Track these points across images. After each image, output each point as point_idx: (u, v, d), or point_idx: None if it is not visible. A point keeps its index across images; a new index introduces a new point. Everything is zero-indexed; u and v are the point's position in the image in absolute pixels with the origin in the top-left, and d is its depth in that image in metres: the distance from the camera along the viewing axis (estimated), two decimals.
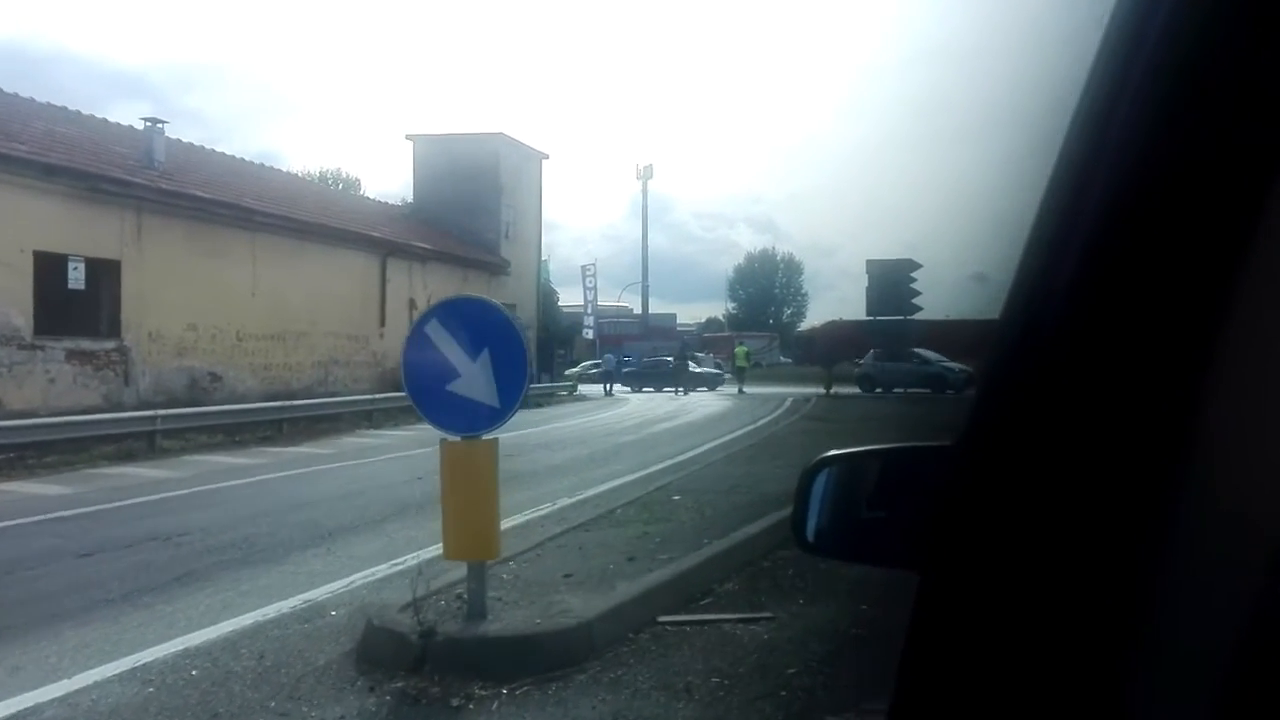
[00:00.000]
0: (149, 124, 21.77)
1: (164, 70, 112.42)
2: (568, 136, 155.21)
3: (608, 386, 38.66)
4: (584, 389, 39.50)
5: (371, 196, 43.52)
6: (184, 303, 21.07)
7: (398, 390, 27.51)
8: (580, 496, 10.28)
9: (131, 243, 20.01)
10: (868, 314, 29.89)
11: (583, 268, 58.41)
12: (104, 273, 19.46)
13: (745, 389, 36.62)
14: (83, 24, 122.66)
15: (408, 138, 35.94)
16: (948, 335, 29.88)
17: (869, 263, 29.70)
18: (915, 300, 29.40)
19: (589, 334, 56.75)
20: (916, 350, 32.73)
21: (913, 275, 29.12)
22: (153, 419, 16.90)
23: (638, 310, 77.63)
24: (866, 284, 29.48)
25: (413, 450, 16.59)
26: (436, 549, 6.29)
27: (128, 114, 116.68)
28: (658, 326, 74.08)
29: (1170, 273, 0.61)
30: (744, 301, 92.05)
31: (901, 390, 31.13)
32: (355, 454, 16.30)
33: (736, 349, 40.84)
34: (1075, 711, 0.64)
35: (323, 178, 52.19)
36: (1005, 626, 0.68)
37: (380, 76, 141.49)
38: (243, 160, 27.78)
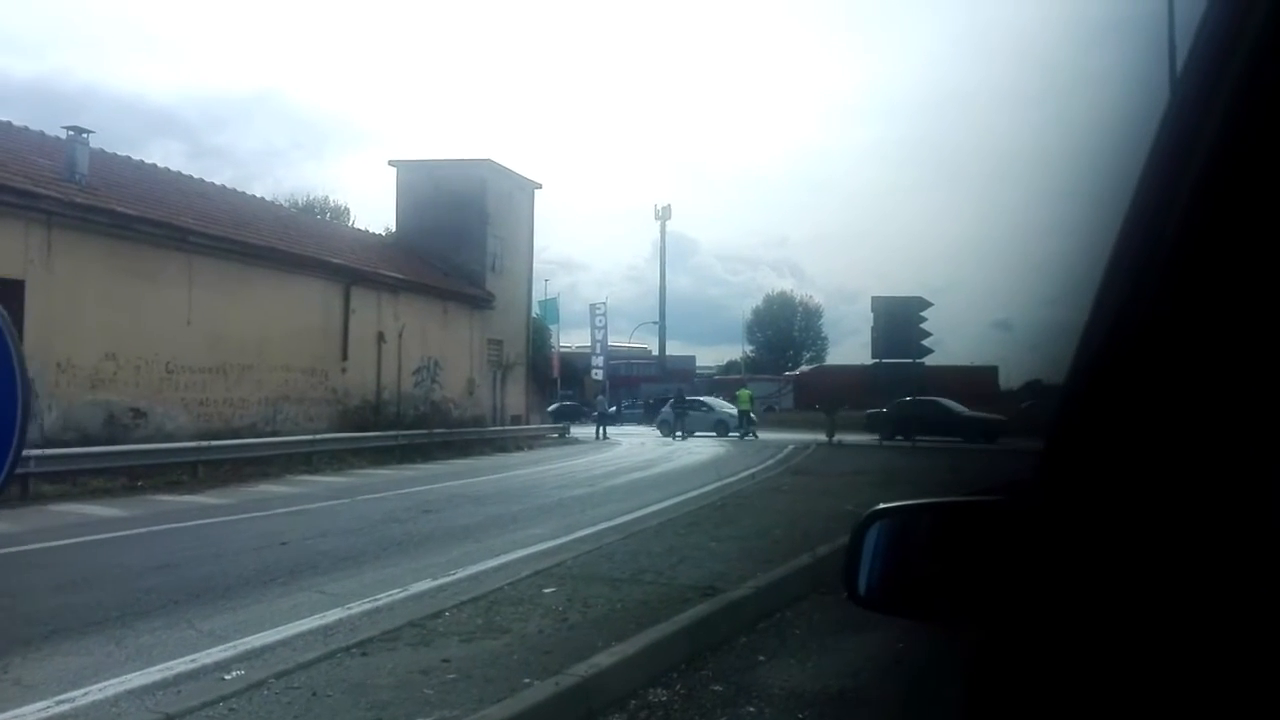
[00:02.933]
0: (72, 133, 19.82)
1: (196, 105, 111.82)
2: (594, 177, 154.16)
3: (600, 430, 36.27)
4: (577, 431, 37.24)
5: (362, 227, 41.57)
6: (102, 329, 18.93)
7: (362, 430, 25.60)
8: (421, 586, 7.82)
9: (39, 261, 17.94)
10: (873, 356, 27.32)
11: (591, 306, 56.63)
12: (4, 294, 17.28)
13: (750, 434, 34.14)
14: (112, 60, 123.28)
15: (390, 163, 33.97)
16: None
17: (875, 299, 27.16)
18: (925, 342, 26.79)
19: (598, 374, 54.66)
20: (938, 399, 30.28)
21: (923, 315, 26.55)
22: (25, 459, 14.62)
23: (656, 351, 75.62)
24: (872, 323, 26.95)
25: (323, 503, 14.31)
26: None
27: (161, 153, 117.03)
28: (676, 369, 71.86)
29: (1251, 298, 0.58)
30: (762, 344, 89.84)
31: (925, 439, 28.79)
32: (254, 506, 13.97)
33: (739, 392, 38.29)
34: None
35: (307, 206, 50.37)
36: (1077, 698, 0.63)
37: (412, 112, 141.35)
38: (188, 177, 25.75)
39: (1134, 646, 0.60)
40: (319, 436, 22.23)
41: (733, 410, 37.45)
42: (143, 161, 24.44)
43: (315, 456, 21.14)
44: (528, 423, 35.49)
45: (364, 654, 5.32)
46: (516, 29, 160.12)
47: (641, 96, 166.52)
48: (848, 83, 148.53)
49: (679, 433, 35.54)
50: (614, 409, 39.28)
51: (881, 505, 1.38)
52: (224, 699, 4.51)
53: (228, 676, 5.27)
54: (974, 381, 44.07)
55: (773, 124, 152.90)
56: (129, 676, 5.34)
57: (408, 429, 26.03)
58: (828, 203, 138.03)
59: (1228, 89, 0.58)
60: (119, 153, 24.05)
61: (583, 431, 37.44)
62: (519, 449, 29.40)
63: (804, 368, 75.52)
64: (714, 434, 35.76)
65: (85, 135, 19.94)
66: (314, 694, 4.61)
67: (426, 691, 4.65)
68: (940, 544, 1.27)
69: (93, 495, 14.99)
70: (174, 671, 5.48)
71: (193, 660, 5.71)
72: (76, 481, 15.80)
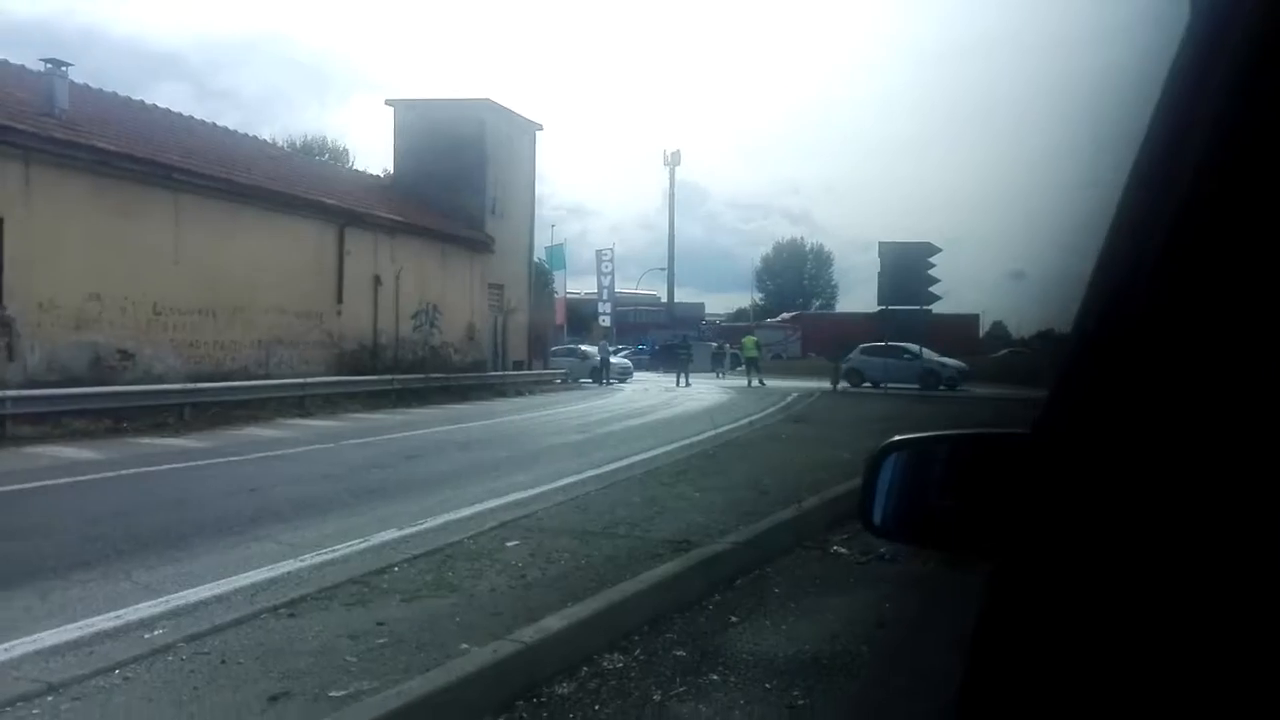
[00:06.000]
0: (50, 66, 19.14)
1: (199, 48, 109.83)
2: (603, 123, 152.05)
3: (603, 377, 35.79)
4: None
5: (362, 169, 40.76)
6: (85, 269, 18.41)
7: (357, 374, 25.19)
8: (384, 536, 7.35)
9: (17, 198, 17.35)
10: (879, 302, 26.65)
11: (598, 252, 55.74)
12: None
13: (757, 381, 33.56)
14: (113, 1, 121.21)
15: (387, 103, 33.11)
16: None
17: (882, 245, 26.38)
18: (935, 289, 26.12)
19: (605, 320, 54.07)
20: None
21: (931, 261, 25.82)
22: (0, 400, 14.25)
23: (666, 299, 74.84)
24: (879, 269, 26.21)
25: (306, 447, 13.93)
26: None
27: (167, 95, 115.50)
28: (685, 315, 71.21)
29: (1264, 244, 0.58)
30: (771, 292, 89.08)
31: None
32: (234, 450, 13.57)
33: (745, 339, 37.69)
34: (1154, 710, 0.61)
35: (305, 147, 49.35)
36: (1087, 621, 0.64)
37: (421, 54, 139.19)
38: (176, 114, 25.03)
39: (1152, 584, 0.59)
40: (311, 380, 21.81)
41: (615, 360, 37.94)
42: (129, 98, 23.76)
43: (307, 400, 20.75)
44: (529, 368, 35.04)
45: (291, 615, 4.87)
46: None
47: (651, 41, 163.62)
48: (863, 31, 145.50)
49: (681, 378, 35.00)
50: (615, 352, 38.56)
51: (897, 437, 1.40)
52: (120, 665, 4.07)
53: (147, 635, 4.84)
54: (954, 329, 43.44)
55: (786, 72, 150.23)
56: (41, 635, 4.89)
57: (405, 373, 25.62)
58: (842, 151, 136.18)
59: (1239, 33, 0.57)
60: (120, 93, 23.50)
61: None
62: (520, 394, 28.98)
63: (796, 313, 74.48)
64: (718, 377, 35.50)
65: (64, 68, 19.28)
66: (223, 661, 4.16)
67: (349, 659, 4.20)
68: (956, 475, 1.30)
69: (71, 437, 14.62)
70: (93, 629, 5.04)
71: (117, 617, 5.27)
72: (58, 424, 15.42)
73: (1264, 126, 0.57)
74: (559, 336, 43.32)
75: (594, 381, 35.81)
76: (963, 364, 32.01)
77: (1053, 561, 0.65)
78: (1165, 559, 0.59)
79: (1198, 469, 0.59)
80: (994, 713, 0.68)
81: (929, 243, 26.38)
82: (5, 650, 4.69)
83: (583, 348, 39.55)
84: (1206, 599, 0.58)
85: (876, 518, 1.42)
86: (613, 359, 38.40)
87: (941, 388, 29.89)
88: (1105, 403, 0.64)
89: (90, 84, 22.30)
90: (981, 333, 59.54)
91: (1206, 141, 0.59)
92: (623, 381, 36.11)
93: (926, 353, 30.06)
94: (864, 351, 31.62)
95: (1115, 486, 0.62)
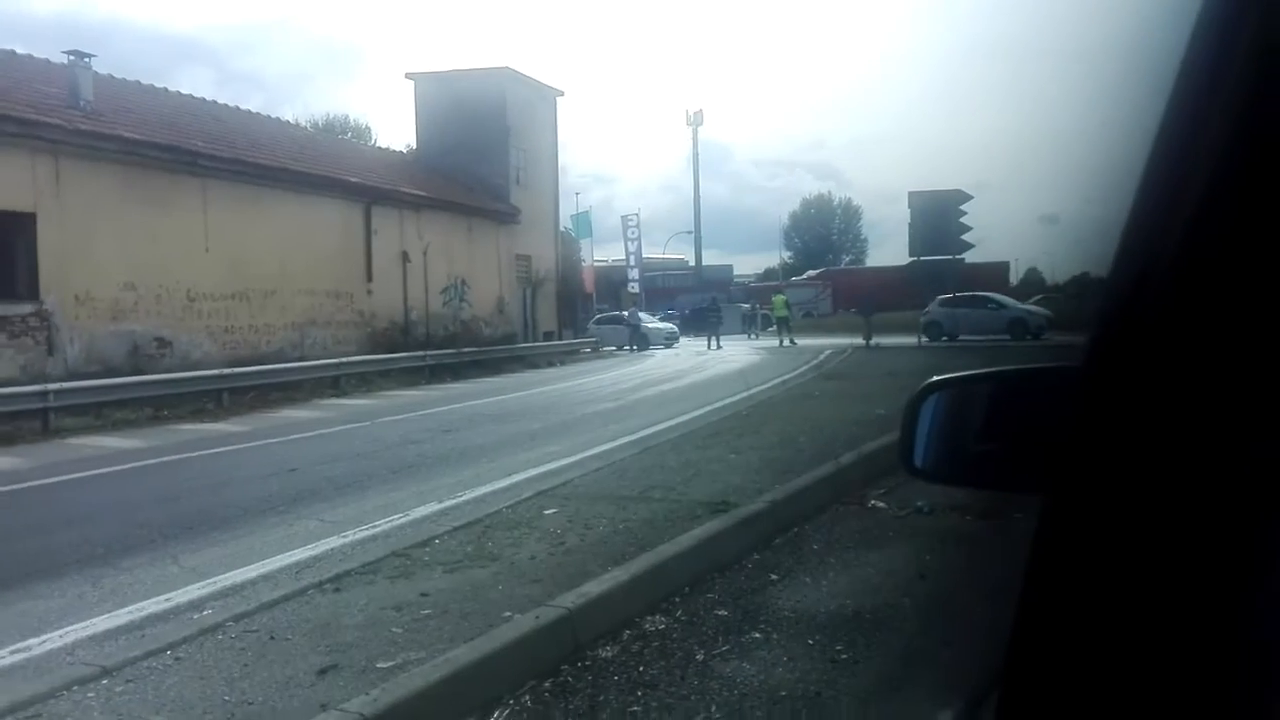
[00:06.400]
0: (73, 58, 19.27)
1: (219, 31, 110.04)
2: (622, 86, 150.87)
3: (632, 345, 35.76)
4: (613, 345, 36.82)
5: (386, 145, 40.81)
6: (119, 259, 18.65)
7: (391, 351, 25.36)
8: (424, 510, 7.42)
9: (48, 192, 17.57)
10: (910, 254, 26.35)
11: (623, 218, 55.44)
12: (15, 227, 17.10)
13: (788, 340, 33.33)
14: None
15: (408, 76, 33.08)
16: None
17: (911, 195, 26.01)
18: (966, 237, 25.78)
19: (634, 287, 53.96)
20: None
21: (962, 209, 25.46)
22: (44, 394, 14.50)
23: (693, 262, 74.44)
24: (909, 220, 25.89)
25: (343, 426, 14.08)
26: None
27: (189, 81, 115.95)
28: (713, 278, 70.83)
29: None
30: (800, 250, 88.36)
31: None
32: (273, 432, 13.74)
33: (774, 298, 37.43)
34: (1204, 652, 0.60)
35: (327, 125, 49.52)
36: (1141, 554, 0.63)
37: (440, 27, 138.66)
38: (199, 99, 25.15)
39: (1205, 520, 0.59)
40: (345, 360, 21.97)
41: (654, 325, 37.91)
42: (152, 85, 23.90)
43: (343, 379, 20.92)
44: (560, 338, 35.11)
45: (337, 590, 4.95)
46: None
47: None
48: None
49: (712, 340, 34.84)
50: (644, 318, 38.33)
51: (936, 378, 1.38)
52: (172, 646, 4.16)
53: (196, 616, 4.94)
54: (985, 276, 42.68)
55: (807, 25, 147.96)
56: (94, 620, 5.01)
57: (437, 349, 25.76)
58: (866, 103, 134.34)
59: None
60: (143, 81, 23.63)
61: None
62: (551, 365, 29.04)
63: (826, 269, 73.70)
64: (749, 337, 35.69)
65: (88, 59, 19.41)
66: (271, 637, 4.24)
67: (395, 631, 4.26)
68: (1000, 413, 1.29)
69: (114, 427, 14.86)
70: (144, 613, 5.15)
71: (167, 600, 5.38)
72: (100, 414, 15.66)
73: None
74: (588, 305, 43.29)
75: (629, 348, 35.78)
76: (1047, 311, 30.53)
77: (1106, 496, 0.65)
78: (1217, 490, 0.58)
79: (1243, 402, 0.57)
80: (1048, 656, 0.68)
81: (959, 190, 26.03)
82: (60, 636, 4.80)
83: (627, 314, 39.31)
84: (1261, 537, 0.57)
85: (918, 460, 1.41)
86: (657, 323, 38.44)
87: (1029, 337, 28.16)
88: (1150, 338, 0.63)
89: (114, 74, 22.44)
90: (1016, 280, 58.74)
91: (1225, 104, 0.57)
92: (669, 346, 35.99)
93: (1010, 301, 29.27)
94: (943, 304, 29.65)
95: (1164, 418, 0.62)
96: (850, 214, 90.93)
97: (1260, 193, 0.57)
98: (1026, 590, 0.68)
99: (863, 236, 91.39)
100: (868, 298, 32.63)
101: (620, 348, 35.95)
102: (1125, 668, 0.61)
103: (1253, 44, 0.57)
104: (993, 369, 1.34)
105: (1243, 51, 0.57)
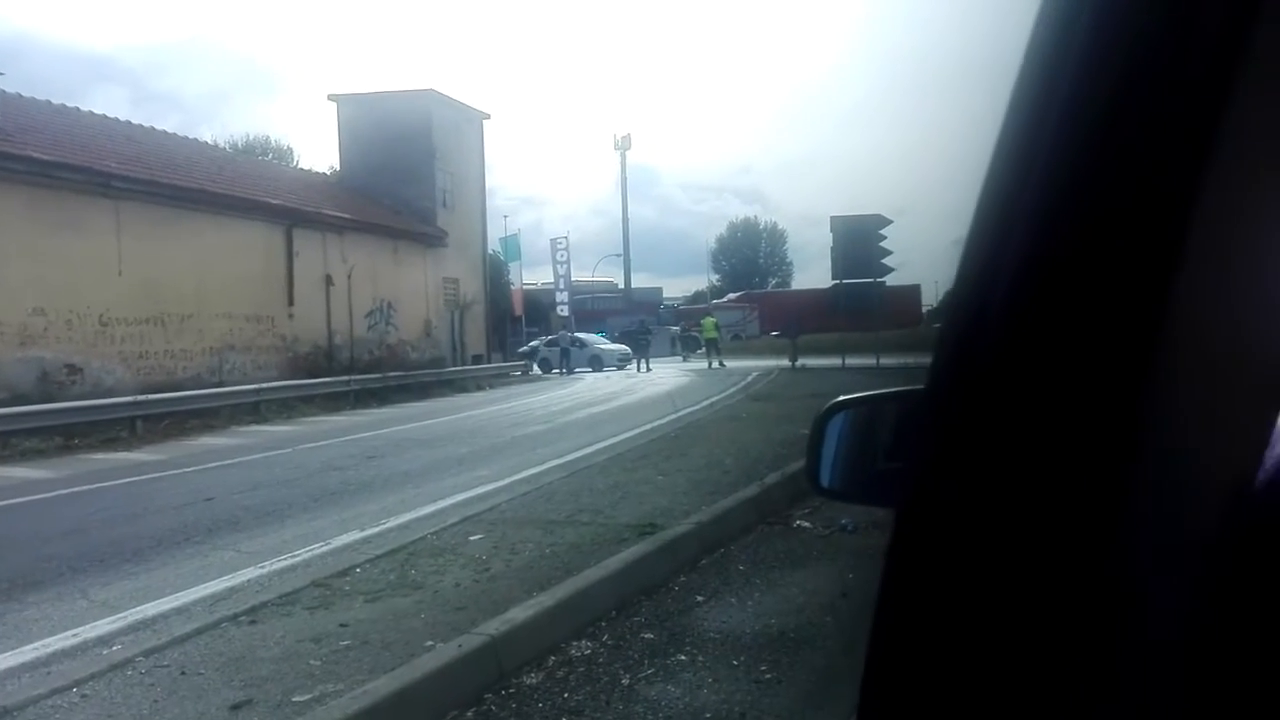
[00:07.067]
0: None
1: (137, 53, 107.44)
2: (550, 110, 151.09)
3: (563, 367, 35.75)
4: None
5: (309, 167, 40.15)
6: (27, 284, 18.01)
7: (312, 376, 24.85)
8: (346, 538, 7.28)
9: None
10: (833, 277, 26.76)
11: (552, 241, 55.53)
12: None
13: (717, 362, 33.51)
14: (47, 5, 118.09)
15: (330, 98, 32.65)
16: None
17: (834, 219, 26.42)
18: (887, 261, 26.27)
19: (563, 310, 53.92)
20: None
21: (882, 233, 25.99)
22: None
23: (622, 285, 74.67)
24: (831, 243, 26.31)
25: (263, 453, 13.74)
26: None
27: (104, 101, 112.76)
28: (643, 301, 71.10)
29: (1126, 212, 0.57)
30: (727, 273, 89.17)
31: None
32: (189, 460, 13.36)
33: (704, 320, 37.76)
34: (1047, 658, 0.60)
35: (247, 147, 48.51)
36: (983, 567, 0.63)
37: (366, 48, 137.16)
38: (114, 120, 24.47)
39: (1038, 533, 0.59)
40: (266, 385, 21.51)
41: (608, 346, 38.65)
42: (64, 105, 23.18)
43: (263, 405, 20.46)
44: (489, 362, 34.85)
45: (253, 622, 4.81)
46: None
47: (596, 24, 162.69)
48: (803, 6, 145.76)
49: (641, 363, 34.96)
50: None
51: (841, 397, 1.40)
52: (78, 684, 4.00)
53: (105, 652, 4.76)
54: (896, 300, 43.24)
55: (732, 51, 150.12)
56: None
57: (362, 373, 25.37)
58: (791, 127, 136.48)
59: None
60: (54, 100, 22.92)
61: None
62: (480, 389, 28.79)
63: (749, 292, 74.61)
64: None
65: None
66: (183, 672, 4.10)
67: (312, 663, 4.15)
68: (903, 431, 1.31)
69: (21, 457, 14.31)
70: (50, 649, 4.94)
71: (74, 635, 5.17)
72: (7, 444, 15.08)
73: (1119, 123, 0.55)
74: (517, 328, 43.08)
75: (558, 371, 35.73)
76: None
77: (944, 511, 0.65)
78: (1055, 502, 0.58)
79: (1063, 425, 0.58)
80: (898, 669, 0.68)
81: (879, 215, 26.55)
82: None
83: (558, 337, 39.19)
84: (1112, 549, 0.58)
85: (824, 479, 1.43)
86: (609, 345, 38.68)
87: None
88: (982, 351, 0.63)
89: (23, 93, 21.76)
90: (937, 302, 59.98)
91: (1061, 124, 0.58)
92: (621, 369, 35.95)
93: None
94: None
95: (997, 432, 0.62)
96: (776, 237, 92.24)
97: (1092, 196, 0.58)
98: (879, 608, 0.69)
99: (788, 260, 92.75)
100: (794, 320, 33.07)
101: (550, 371, 35.90)
102: (972, 679, 0.61)
103: (1085, 44, 0.57)
104: (898, 388, 1.35)
105: (1075, 53, 0.57)
